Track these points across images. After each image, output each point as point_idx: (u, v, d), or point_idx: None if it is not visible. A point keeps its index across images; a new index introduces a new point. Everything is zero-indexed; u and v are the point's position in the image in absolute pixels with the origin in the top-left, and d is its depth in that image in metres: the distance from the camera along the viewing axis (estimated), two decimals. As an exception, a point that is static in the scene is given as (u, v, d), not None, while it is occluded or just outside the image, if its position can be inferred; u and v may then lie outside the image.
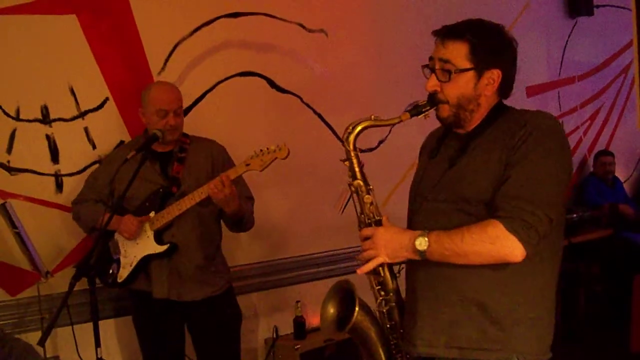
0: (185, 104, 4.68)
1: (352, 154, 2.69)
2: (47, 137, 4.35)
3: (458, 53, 2.47)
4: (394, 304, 2.68)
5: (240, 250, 5.04)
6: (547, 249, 2.44)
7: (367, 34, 5.83)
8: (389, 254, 2.51)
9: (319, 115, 5.56)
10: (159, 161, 4.05)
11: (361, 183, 2.69)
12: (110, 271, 4.06)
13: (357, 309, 2.58)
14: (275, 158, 3.78)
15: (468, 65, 2.47)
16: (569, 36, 7.49)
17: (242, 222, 4.08)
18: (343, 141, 2.69)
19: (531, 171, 2.35)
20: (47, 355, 4.12)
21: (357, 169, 2.70)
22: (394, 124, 2.61)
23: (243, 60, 5.12)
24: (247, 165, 3.80)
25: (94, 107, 4.50)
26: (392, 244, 2.50)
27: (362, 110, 5.71)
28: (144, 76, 4.65)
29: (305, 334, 5.21)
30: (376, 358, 2.74)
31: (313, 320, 5.44)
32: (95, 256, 4.05)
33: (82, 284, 3.65)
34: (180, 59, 4.82)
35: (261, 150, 3.79)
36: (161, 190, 3.98)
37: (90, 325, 3.76)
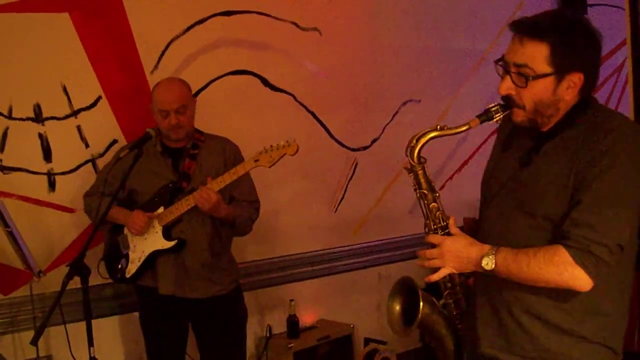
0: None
1: (418, 167, 2.59)
2: (40, 135, 4.34)
3: (538, 56, 2.30)
4: (460, 295, 2.70)
5: (234, 249, 5.02)
6: (617, 267, 2.36)
7: (360, 32, 5.83)
8: (456, 266, 2.46)
9: (312, 114, 5.55)
10: (172, 157, 4.04)
11: (426, 192, 2.61)
12: (119, 266, 4.07)
13: (421, 303, 2.60)
14: (284, 154, 3.76)
15: (548, 70, 2.30)
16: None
17: (233, 227, 4.07)
18: (406, 154, 2.58)
19: (603, 196, 2.23)
20: (40, 355, 4.11)
21: (422, 180, 2.61)
22: (462, 132, 2.48)
23: (236, 59, 5.11)
24: (256, 161, 3.78)
25: (86, 105, 4.49)
26: (459, 257, 2.44)
27: (355, 109, 5.76)
28: (137, 74, 4.64)
29: (299, 333, 5.21)
30: (446, 349, 2.77)
31: (306, 319, 5.45)
32: (104, 250, 4.07)
33: (75, 283, 3.64)
34: (173, 57, 4.80)
35: (270, 146, 3.77)
36: (171, 185, 3.97)
37: (83, 324, 3.74)
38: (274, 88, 5.31)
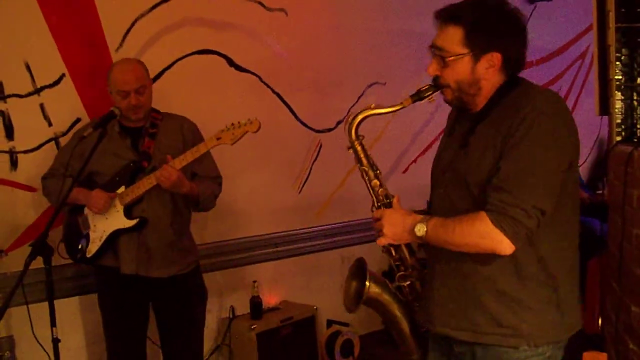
0: (143, 82, 4.65)
1: (356, 142, 2.75)
2: (2, 113, 4.28)
3: (453, 39, 2.45)
4: (414, 279, 2.76)
5: (197, 229, 5.00)
6: (551, 232, 2.44)
7: (326, 13, 5.81)
8: (394, 236, 2.58)
9: (278, 95, 5.54)
10: (130, 136, 4.01)
11: (367, 168, 2.75)
12: (79, 246, 4.03)
13: (367, 283, 2.71)
14: (247, 132, 3.80)
15: (462, 50, 2.45)
16: (527, 20, 7.52)
17: (197, 203, 4.08)
18: (345, 131, 2.75)
19: (520, 162, 2.33)
20: (1, 335, 4.09)
21: (362, 156, 2.76)
22: (396, 110, 2.65)
23: (202, 38, 5.08)
24: (218, 139, 3.80)
25: (50, 83, 4.43)
26: (396, 226, 2.56)
27: (320, 90, 5.76)
28: (102, 52, 4.59)
29: (262, 314, 5.21)
30: (401, 331, 2.83)
31: (269, 300, 5.45)
32: (63, 230, 4.04)
33: (38, 263, 3.59)
34: (138, 36, 4.76)
35: (232, 124, 3.81)
36: (132, 164, 3.94)
37: (45, 304, 3.72)
38: (239, 68, 5.29)
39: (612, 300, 4.13)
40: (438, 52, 2.50)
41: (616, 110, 4.28)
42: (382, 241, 2.62)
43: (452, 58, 2.46)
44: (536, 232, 2.37)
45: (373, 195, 2.73)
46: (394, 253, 2.74)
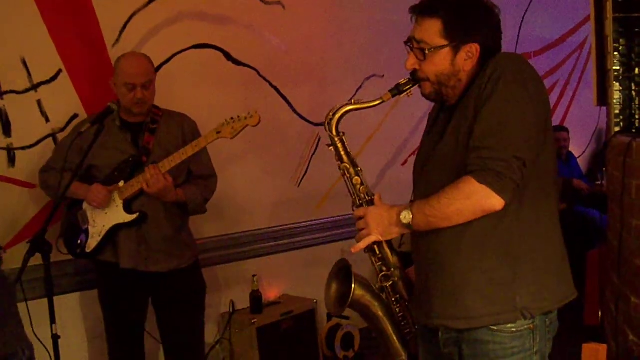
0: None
1: (337, 139, 2.72)
2: (-1, 109, 4.27)
3: (431, 30, 2.44)
4: (396, 278, 2.71)
5: (196, 224, 5.00)
6: (527, 194, 2.42)
7: (324, 7, 5.81)
8: (381, 232, 2.54)
9: (276, 88, 5.54)
10: (131, 131, 4.01)
11: (348, 166, 2.71)
12: (79, 241, 4.02)
13: (353, 285, 2.65)
14: (247, 125, 3.80)
15: (442, 42, 2.44)
16: (525, 12, 7.52)
17: (185, 209, 4.09)
18: (325, 128, 2.72)
19: (493, 118, 2.33)
20: (1, 332, 4.07)
21: (342, 153, 2.72)
22: (375, 105, 2.64)
23: (199, 33, 5.07)
24: (218, 133, 3.80)
25: (47, 79, 4.41)
26: (382, 221, 2.52)
27: (318, 83, 5.75)
28: (98, 48, 4.58)
29: (262, 308, 5.21)
30: (384, 332, 2.79)
31: (270, 294, 5.46)
32: (62, 226, 4.03)
33: (37, 259, 3.60)
34: (135, 31, 4.74)
35: (232, 118, 3.80)
36: (131, 159, 3.94)
37: (44, 301, 3.71)
38: (237, 62, 5.28)
39: (612, 291, 4.13)
40: (417, 45, 2.49)
41: (614, 100, 4.28)
42: (369, 240, 2.56)
43: (431, 50, 2.46)
44: (518, 202, 2.37)
45: (354, 193, 2.70)
46: (377, 252, 2.68)
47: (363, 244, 2.58)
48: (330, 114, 2.69)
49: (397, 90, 2.58)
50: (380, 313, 2.75)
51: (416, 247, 2.62)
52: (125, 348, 4.18)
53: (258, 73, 5.42)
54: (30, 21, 4.33)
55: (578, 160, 8.03)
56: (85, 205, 4.02)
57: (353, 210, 2.68)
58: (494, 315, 2.43)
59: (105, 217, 3.96)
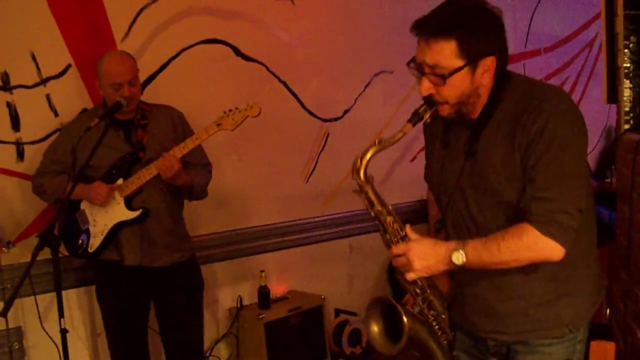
0: (150, 71, 4.66)
1: (367, 187, 2.58)
2: (8, 104, 4.27)
3: (447, 53, 2.31)
4: (431, 297, 2.68)
5: (204, 219, 5.01)
6: (581, 232, 2.43)
7: (333, 2, 5.79)
8: (425, 270, 2.45)
9: (284, 84, 5.53)
10: (123, 129, 4.00)
11: (380, 209, 2.58)
12: (80, 242, 4.02)
13: (404, 318, 2.57)
14: (247, 116, 3.82)
15: (459, 63, 2.31)
16: (535, 8, 7.50)
17: (191, 192, 4.11)
18: (353, 176, 2.57)
19: (554, 168, 2.29)
20: (10, 326, 4.09)
21: (373, 198, 2.59)
22: (398, 139, 2.50)
23: (208, 28, 5.07)
24: (218, 125, 3.82)
25: (55, 73, 4.42)
26: (428, 259, 2.42)
27: (327, 79, 5.74)
28: (107, 42, 4.58)
29: (270, 304, 5.21)
30: (429, 349, 2.76)
31: (277, 290, 5.46)
32: (60, 227, 4.03)
33: (45, 254, 3.60)
34: (144, 26, 4.74)
35: (231, 110, 3.83)
36: (128, 156, 3.94)
37: (53, 295, 3.72)
38: (246, 58, 5.27)
39: (620, 289, 4.12)
40: (431, 70, 2.35)
41: (624, 98, 4.26)
42: (412, 276, 2.46)
43: (451, 74, 2.33)
44: None
45: (389, 233, 2.58)
46: (420, 283, 2.63)
47: (408, 280, 2.52)
48: (358, 161, 2.53)
49: (417, 118, 2.44)
50: (425, 335, 2.72)
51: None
52: (128, 345, 4.18)
53: (267, 68, 5.41)
54: (40, 16, 4.33)
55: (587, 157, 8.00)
56: (83, 205, 4.02)
57: (388, 249, 2.56)
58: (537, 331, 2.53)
59: (107, 216, 3.96)
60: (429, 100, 2.43)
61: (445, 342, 2.75)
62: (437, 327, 2.73)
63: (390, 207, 2.60)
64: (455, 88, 2.37)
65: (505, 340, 2.58)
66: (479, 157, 2.45)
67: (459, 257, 2.37)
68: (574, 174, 2.33)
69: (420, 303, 2.68)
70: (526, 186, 2.34)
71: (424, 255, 2.42)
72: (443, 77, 2.34)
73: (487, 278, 2.52)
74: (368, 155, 2.52)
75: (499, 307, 2.54)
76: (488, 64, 2.36)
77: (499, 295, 2.53)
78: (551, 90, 2.42)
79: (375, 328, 2.69)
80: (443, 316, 2.72)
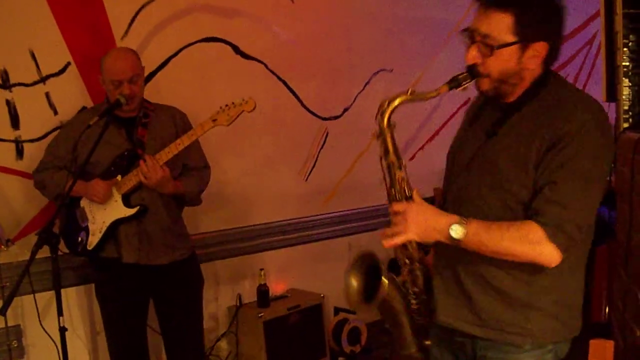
0: (149, 69, 4.64)
1: (387, 130, 2.51)
2: (7, 102, 4.27)
3: (501, 26, 2.31)
4: (419, 272, 2.64)
5: (204, 217, 5.01)
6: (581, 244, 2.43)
7: (333, 0, 5.79)
8: (420, 234, 2.40)
9: (284, 82, 5.53)
10: (124, 126, 4.00)
11: (394, 159, 2.53)
12: (79, 239, 4.02)
13: (384, 279, 2.54)
14: (242, 111, 3.80)
15: (512, 39, 2.32)
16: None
17: (182, 200, 4.11)
18: (376, 118, 2.52)
19: (577, 178, 2.27)
20: (9, 324, 4.09)
21: (390, 146, 2.53)
22: (431, 97, 2.45)
23: (208, 26, 5.06)
24: (214, 120, 3.79)
25: (55, 71, 4.42)
26: (425, 224, 2.39)
27: (327, 78, 5.74)
28: (107, 40, 4.58)
29: (269, 302, 5.21)
30: (400, 324, 2.73)
31: (277, 288, 5.46)
32: (61, 224, 4.02)
33: (44, 252, 3.60)
34: (143, 24, 4.74)
35: (226, 105, 3.81)
36: (126, 153, 3.93)
37: (52, 293, 3.72)
38: (245, 56, 5.27)
39: (620, 288, 4.12)
40: (481, 39, 2.35)
41: (623, 96, 4.26)
42: (405, 238, 2.41)
43: (500, 47, 2.33)
44: None
45: (394, 187, 2.53)
46: (410, 249, 2.58)
47: (398, 241, 2.43)
48: (386, 103, 2.47)
49: (456, 83, 2.41)
50: (400, 307, 2.68)
51: (443, 251, 2.57)
52: (127, 343, 4.17)
53: (266, 67, 5.41)
54: (39, 14, 4.33)
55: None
56: (83, 202, 4.01)
57: (389, 204, 2.53)
58: (503, 332, 2.49)
59: (105, 213, 3.96)
60: (472, 70, 2.41)
61: (418, 323, 2.72)
62: (415, 304, 2.69)
63: (404, 162, 2.55)
64: (501, 62, 2.36)
65: (467, 332, 2.54)
66: (498, 139, 2.44)
67: (457, 231, 2.33)
68: (595, 188, 2.31)
69: (406, 274, 2.64)
70: (544, 187, 2.30)
71: (423, 219, 2.39)
72: (492, 48, 2.34)
73: (464, 265, 2.50)
74: (396, 102, 2.46)
75: (473, 293, 2.50)
76: (538, 49, 2.35)
77: (475, 283, 2.49)
78: (591, 100, 2.40)
79: (353, 282, 2.65)
80: (424, 297, 2.67)
